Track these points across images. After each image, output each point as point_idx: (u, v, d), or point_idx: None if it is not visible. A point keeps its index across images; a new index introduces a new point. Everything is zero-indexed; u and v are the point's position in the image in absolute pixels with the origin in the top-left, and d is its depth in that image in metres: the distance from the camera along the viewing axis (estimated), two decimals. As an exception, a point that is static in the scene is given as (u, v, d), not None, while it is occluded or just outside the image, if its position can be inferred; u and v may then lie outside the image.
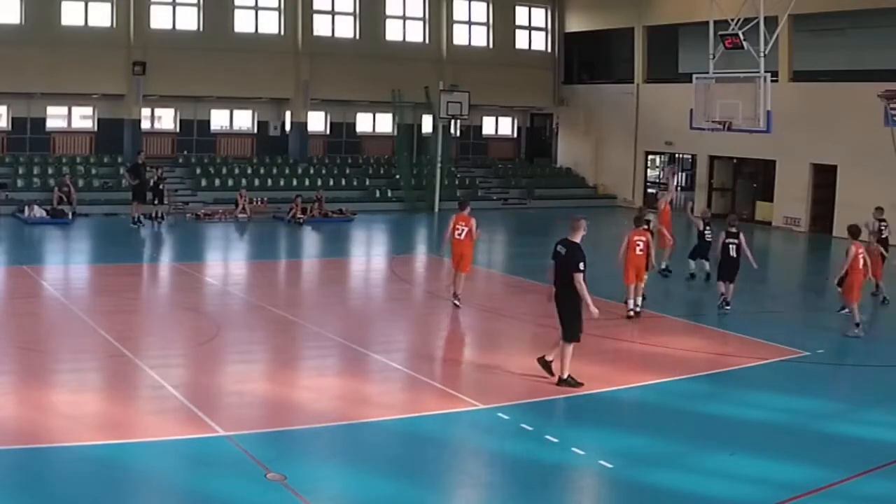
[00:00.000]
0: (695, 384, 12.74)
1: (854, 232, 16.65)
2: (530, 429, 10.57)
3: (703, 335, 15.26)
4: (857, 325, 15.91)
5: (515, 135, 42.69)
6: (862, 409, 12.02)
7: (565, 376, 12.16)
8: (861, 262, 16.10)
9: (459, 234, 17.01)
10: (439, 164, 34.35)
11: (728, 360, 14.01)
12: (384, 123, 38.46)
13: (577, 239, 12.17)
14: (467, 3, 38.70)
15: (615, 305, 16.67)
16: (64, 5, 31.22)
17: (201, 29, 33.26)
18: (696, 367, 13.48)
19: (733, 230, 17.45)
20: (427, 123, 36.84)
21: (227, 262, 24.17)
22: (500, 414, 11.06)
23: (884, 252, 18.95)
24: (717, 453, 10.11)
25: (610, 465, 9.61)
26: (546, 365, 12.35)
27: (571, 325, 12.11)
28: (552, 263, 12.28)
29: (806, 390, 12.89)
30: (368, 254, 26.28)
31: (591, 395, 12.02)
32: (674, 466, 9.75)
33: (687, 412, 11.68)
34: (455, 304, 16.99)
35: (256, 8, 34.33)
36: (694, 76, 27.98)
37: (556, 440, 10.23)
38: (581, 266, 11.88)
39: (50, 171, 30.75)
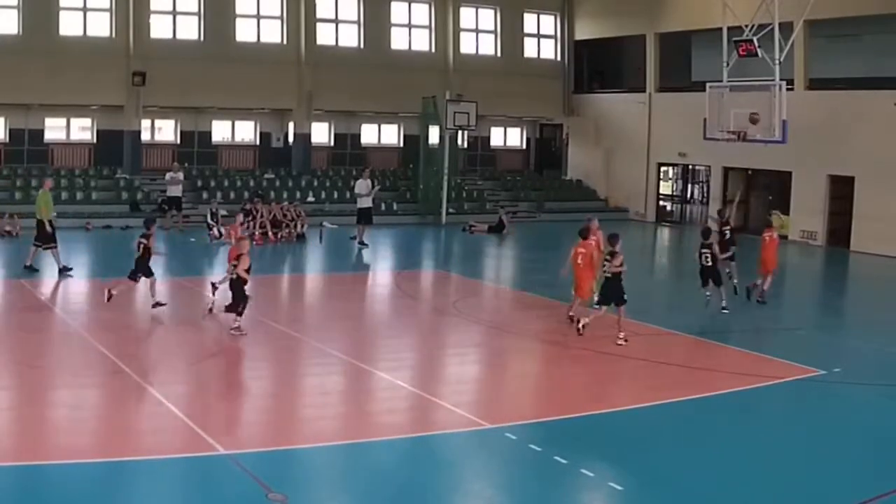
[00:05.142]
0: (708, 404, 12.45)
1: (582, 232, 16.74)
2: (539, 449, 10.28)
3: (714, 353, 14.90)
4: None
5: (524, 146, 42.02)
6: (879, 431, 11.56)
7: None
8: (579, 259, 16.27)
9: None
10: (446, 176, 33.69)
11: (742, 380, 13.63)
12: (389, 135, 37.87)
13: None
14: (474, 10, 38.12)
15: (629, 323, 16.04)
16: (62, 15, 30.74)
17: (202, 38, 32.76)
18: (709, 386, 13.21)
19: None
20: (434, 134, 36.12)
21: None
22: (507, 434, 10.75)
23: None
24: (731, 476, 9.78)
25: (620, 488, 9.38)
26: None
27: None
28: None
29: (821, 410, 12.57)
30: (374, 268, 25.56)
31: (601, 416, 11.77)
32: (687, 490, 9.41)
33: (700, 433, 11.38)
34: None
35: (258, 17, 33.82)
36: (707, 85, 27.31)
37: (565, 461, 9.93)
38: None
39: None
